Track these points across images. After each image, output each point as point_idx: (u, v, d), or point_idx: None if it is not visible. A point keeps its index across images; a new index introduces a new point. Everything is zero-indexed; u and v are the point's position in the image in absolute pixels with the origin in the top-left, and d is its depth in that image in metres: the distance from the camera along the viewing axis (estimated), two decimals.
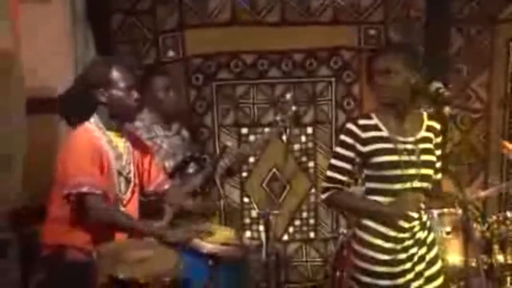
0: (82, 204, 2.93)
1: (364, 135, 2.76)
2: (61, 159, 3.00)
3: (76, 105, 3.08)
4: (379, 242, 2.73)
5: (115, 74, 3.03)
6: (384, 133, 2.77)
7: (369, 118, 2.79)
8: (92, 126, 3.04)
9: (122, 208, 3.07)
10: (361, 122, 2.79)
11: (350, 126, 2.79)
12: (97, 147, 2.99)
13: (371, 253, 2.73)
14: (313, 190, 4.57)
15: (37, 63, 4.08)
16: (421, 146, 2.77)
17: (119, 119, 3.06)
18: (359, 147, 2.76)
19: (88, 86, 3.04)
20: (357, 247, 2.78)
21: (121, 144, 3.10)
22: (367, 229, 2.76)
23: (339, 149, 2.79)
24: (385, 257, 2.71)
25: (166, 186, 3.31)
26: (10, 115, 3.97)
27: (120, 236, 3.02)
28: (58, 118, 3.78)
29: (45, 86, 4.09)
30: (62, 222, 2.98)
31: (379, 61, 2.76)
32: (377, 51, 3.02)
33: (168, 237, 2.94)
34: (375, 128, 2.77)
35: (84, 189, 2.91)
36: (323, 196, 2.79)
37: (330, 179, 2.80)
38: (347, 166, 2.77)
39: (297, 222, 4.60)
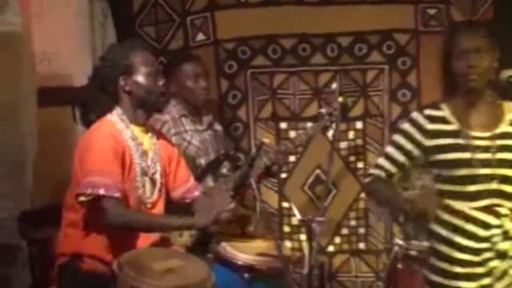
0: (97, 207, 2.96)
1: (430, 126, 2.78)
2: (78, 155, 3.03)
3: (97, 97, 3.12)
4: (454, 253, 2.75)
5: (137, 59, 3.07)
6: (453, 126, 2.78)
7: (438, 108, 2.81)
8: (115, 119, 3.09)
9: None
10: (428, 112, 2.81)
11: (415, 114, 2.82)
12: (119, 141, 3.02)
13: (445, 265, 2.76)
14: (362, 195, 4.57)
15: (50, 48, 4.18)
16: (500, 142, 2.76)
17: (144, 109, 3.10)
18: (421, 139, 2.79)
19: (107, 74, 3.09)
20: (432, 260, 2.81)
21: (147, 140, 3.14)
22: (441, 238, 2.78)
23: (397, 137, 2.84)
24: (461, 270, 2.74)
25: (196, 193, 3.33)
26: (20, 108, 4.06)
27: (142, 244, 3.08)
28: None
29: (59, 74, 4.19)
30: (78, 228, 3.03)
31: (467, 39, 2.76)
32: (457, 28, 2.97)
33: (198, 222, 2.98)
34: (443, 120, 2.79)
35: (100, 191, 2.93)
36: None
37: (377, 166, 2.86)
38: (401, 158, 2.82)
39: (345, 231, 4.61)
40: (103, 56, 3.20)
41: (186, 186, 3.30)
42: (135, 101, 3.10)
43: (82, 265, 3.02)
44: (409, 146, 2.80)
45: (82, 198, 2.95)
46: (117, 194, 2.95)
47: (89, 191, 2.94)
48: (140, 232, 3.06)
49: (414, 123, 2.81)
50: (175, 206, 3.31)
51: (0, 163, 3.96)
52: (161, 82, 3.10)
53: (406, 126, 2.83)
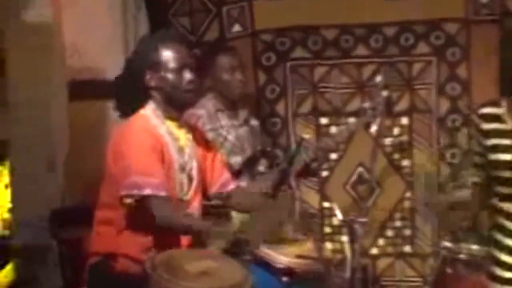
0: (143, 209, 2.94)
1: (485, 126, 2.76)
2: (113, 153, 3.02)
3: (128, 91, 3.11)
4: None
5: (163, 54, 3.05)
6: (508, 125, 2.74)
7: (496, 105, 2.77)
8: (149, 113, 3.08)
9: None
10: (484, 110, 2.78)
11: (473, 115, 2.82)
12: (156, 137, 3.02)
13: (507, 275, 2.73)
14: (408, 194, 4.51)
15: (81, 40, 4.18)
16: None
17: (173, 106, 3.09)
18: (481, 139, 2.77)
19: (136, 68, 3.08)
20: (492, 269, 2.78)
21: (182, 135, 3.13)
22: (500, 245, 2.75)
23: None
24: None
25: (231, 187, 3.32)
26: (49, 102, 4.08)
27: (179, 243, 3.05)
28: (107, 105, 3.89)
29: (90, 67, 4.20)
30: (112, 226, 3.03)
31: None
32: None
33: (252, 243, 2.95)
34: (498, 119, 2.75)
35: (147, 191, 2.92)
36: None
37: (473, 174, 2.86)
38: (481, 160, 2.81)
39: (389, 233, 4.55)
40: (133, 50, 3.21)
41: (221, 180, 3.29)
42: (163, 96, 3.09)
43: (115, 265, 3.01)
44: (477, 148, 2.82)
45: (128, 201, 2.94)
46: (164, 193, 2.94)
47: (134, 191, 2.93)
48: (188, 234, 3.05)
49: (473, 123, 2.81)
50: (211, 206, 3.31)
51: (30, 161, 3.98)
52: (187, 78, 3.06)
53: (471, 128, 2.84)
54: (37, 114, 4.01)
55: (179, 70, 3.05)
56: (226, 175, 3.33)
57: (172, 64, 3.05)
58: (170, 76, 3.05)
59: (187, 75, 3.07)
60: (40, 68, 4.03)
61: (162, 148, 3.02)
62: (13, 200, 4.24)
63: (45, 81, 4.05)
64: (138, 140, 2.98)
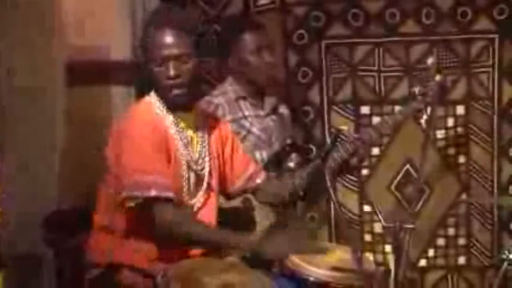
0: (147, 212, 2.98)
1: None
2: (113, 147, 3.06)
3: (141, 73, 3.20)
4: None
5: (151, 39, 3.05)
6: None
7: None
8: (154, 100, 3.12)
9: None
10: None
11: None
12: (161, 129, 3.05)
13: None
14: (464, 196, 4.55)
15: (82, 14, 4.20)
16: None
17: (164, 101, 3.11)
18: None
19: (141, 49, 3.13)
20: None
21: (192, 128, 3.16)
22: None
23: None
24: None
25: (259, 180, 3.38)
26: (45, 88, 4.11)
27: (193, 253, 3.10)
28: (111, 91, 3.93)
29: (94, 46, 4.23)
30: (114, 233, 3.08)
31: None
32: None
33: (266, 250, 2.99)
34: None
35: (152, 193, 2.95)
36: None
37: None
38: None
39: (441, 242, 4.59)
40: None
41: (245, 175, 3.35)
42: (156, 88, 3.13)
43: (118, 277, 3.05)
44: None
45: (131, 204, 2.98)
46: (171, 194, 2.98)
47: (137, 193, 2.96)
48: (195, 244, 3.09)
49: None
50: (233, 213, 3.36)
51: (20, 157, 4.01)
52: (169, 73, 3.03)
53: None
54: (32, 101, 4.04)
55: (161, 61, 3.04)
56: (252, 168, 3.38)
57: (154, 54, 3.04)
58: (153, 67, 3.05)
59: (168, 69, 3.03)
60: (38, 46, 4.06)
61: (167, 142, 3.05)
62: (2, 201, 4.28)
63: (41, 62, 4.09)
64: (140, 134, 3.00)
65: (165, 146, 3.04)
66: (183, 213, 3.04)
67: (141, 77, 3.19)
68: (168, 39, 3.03)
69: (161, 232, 2.98)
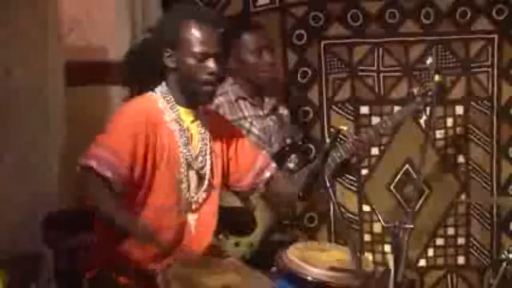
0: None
1: None
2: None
3: (141, 70, 3.16)
4: None
5: (189, 32, 3.07)
6: None
7: None
8: (158, 96, 3.14)
9: (190, 215, 3.15)
10: None
11: None
12: (150, 122, 3.06)
13: None
14: (463, 196, 4.56)
15: (81, 14, 4.23)
16: None
17: (186, 95, 3.13)
18: None
19: (154, 43, 3.12)
20: None
21: (194, 126, 3.18)
22: None
23: None
24: None
25: (268, 174, 3.38)
26: (43, 87, 4.12)
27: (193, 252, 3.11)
28: (110, 91, 3.93)
29: (92, 46, 4.24)
30: (114, 233, 3.05)
31: None
32: None
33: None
34: None
35: (92, 163, 2.96)
36: None
37: None
38: None
39: (440, 242, 4.61)
40: (157, 21, 3.26)
41: (254, 170, 3.36)
42: (178, 80, 3.13)
43: (118, 278, 3.06)
44: None
45: (77, 168, 3.01)
46: (109, 175, 2.97)
47: (82, 161, 2.99)
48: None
49: None
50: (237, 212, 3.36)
51: (20, 157, 4.02)
52: (210, 68, 3.08)
53: None
54: (29, 101, 4.05)
55: (202, 57, 3.08)
56: (261, 161, 3.38)
57: (196, 48, 3.07)
58: (190, 60, 3.08)
59: (211, 65, 3.08)
60: (34, 45, 4.06)
61: (155, 137, 3.05)
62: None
63: (40, 61, 4.09)
64: (124, 119, 3.06)
65: (144, 140, 3.04)
66: (108, 194, 2.99)
67: (141, 76, 3.17)
68: (211, 36, 3.09)
69: (83, 201, 3.00)
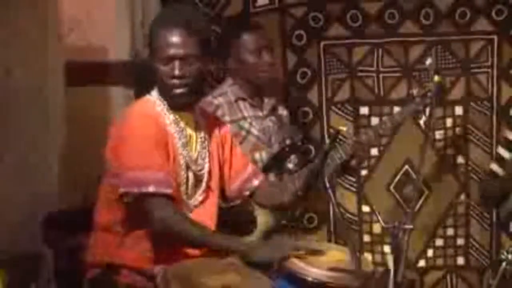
0: (144, 208, 2.99)
1: None
2: (113, 145, 3.06)
3: (144, 71, 3.20)
4: None
5: (158, 38, 3.07)
6: None
7: None
8: (154, 98, 3.14)
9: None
10: None
11: None
12: (160, 125, 3.07)
13: None
14: (462, 197, 4.57)
15: (81, 14, 4.25)
16: None
17: (167, 100, 3.12)
18: None
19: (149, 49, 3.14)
20: None
21: (192, 128, 3.19)
22: None
23: None
24: None
25: (256, 183, 3.38)
26: (43, 87, 4.13)
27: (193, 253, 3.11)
28: (110, 92, 3.93)
29: (92, 47, 4.26)
30: (114, 234, 3.08)
31: None
32: None
33: (254, 255, 2.98)
34: None
35: (150, 189, 2.95)
36: None
37: None
38: None
39: (439, 242, 4.61)
40: None
41: (243, 176, 3.36)
42: (159, 86, 3.14)
43: (118, 278, 3.06)
44: None
45: (128, 200, 2.99)
46: (170, 191, 2.97)
47: (135, 189, 2.96)
48: (187, 243, 3.08)
49: None
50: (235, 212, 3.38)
51: (20, 157, 4.02)
52: (175, 72, 3.06)
53: None
54: (29, 101, 4.06)
55: (167, 61, 3.06)
56: (250, 169, 3.39)
57: (162, 52, 3.06)
58: (159, 66, 3.08)
59: (174, 68, 3.06)
60: (34, 45, 4.07)
61: (167, 139, 3.06)
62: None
63: (40, 61, 4.09)
64: (139, 129, 3.02)
65: (164, 143, 3.05)
66: (180, 211, 3.04)
67: (141, 76, 3.19)
68: (175, 38, 3.06)
69: (156, 228, 2.97)
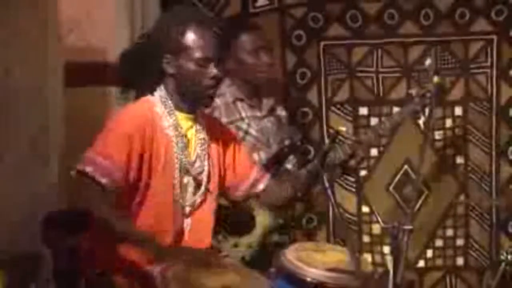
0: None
1: None
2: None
3: (138, 74, 3.17)
4: None
5: (190, 38, 3.09)
6: None
7: None
8: (154, 100, 3.15)
9: (185, 220, 3.18)
10: None
11: None
12: (147, 126, 3.07)
13: None
14: (462, 197, 4.58)
15: (80, 15, 4.25)
16: None
17: (186, 100, 3.15)
18: None
19: (153, 48, 3.13)
20: None
21: (192, 131, 3.20)
22: None
23: None
24: None
25: (261, 187, 3.40)
26: (42, 87, 4.13)
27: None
28: (109, 92, 3.92)
29: (92, 47, 4.26)
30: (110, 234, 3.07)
31: None
32: None
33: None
34: None
35: (87, 169, 2.99)
36: None
37: None
38: None
39: (439, 243, 4.62)
40: (155, 24, 3.27)
41: (248, 181, 3.37)
42: (178, 86, 3.15)
43: (117, 279, 3.08)
44: None
45: (72, 172, 3.04)
46: (105, 181, 2.99)
47: (80, 166, 3.01)
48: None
49: None
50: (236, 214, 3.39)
51: (20, 157, 4.03)
52: (212, 73, 3.11)
53: None
54: (29, 101, 4.06)
55: (204, 62, 3.11)
56: (255, 173, 3.40)
57: (197, 54, 3.10)
58: (191, 66, 3.10)
59: (212, 70, 3.11)
60: (33, 46, 4.08)
61: (151, 141, 3.07)
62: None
63: (39, 62, 4.07)
64: (121, 124, 3.07)
65: (141, 144, 3.05)
66: (104, 200, 3.02)
67: (137, 81, 3.19)
68: (211, 41, 3.12)
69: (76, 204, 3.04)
